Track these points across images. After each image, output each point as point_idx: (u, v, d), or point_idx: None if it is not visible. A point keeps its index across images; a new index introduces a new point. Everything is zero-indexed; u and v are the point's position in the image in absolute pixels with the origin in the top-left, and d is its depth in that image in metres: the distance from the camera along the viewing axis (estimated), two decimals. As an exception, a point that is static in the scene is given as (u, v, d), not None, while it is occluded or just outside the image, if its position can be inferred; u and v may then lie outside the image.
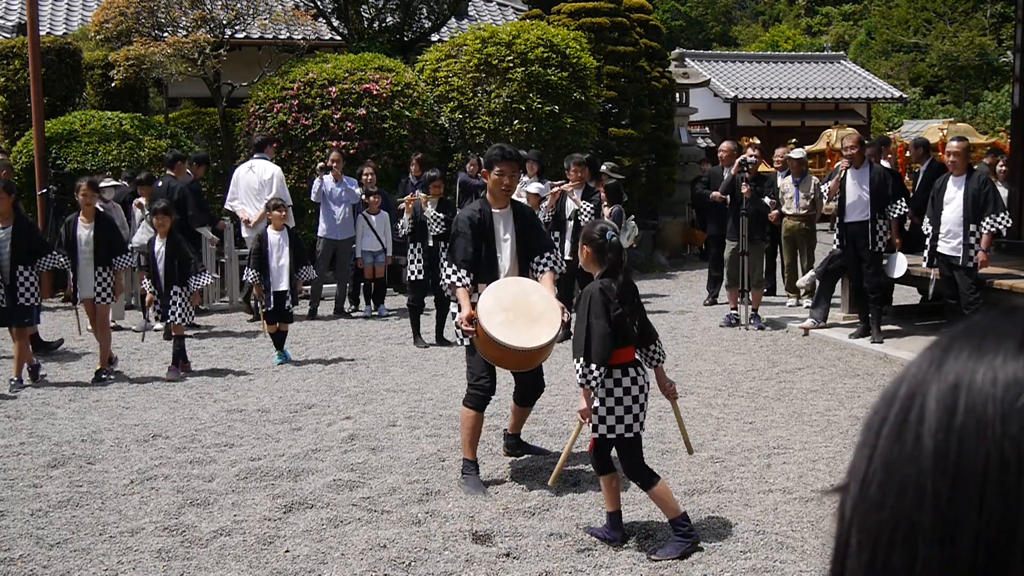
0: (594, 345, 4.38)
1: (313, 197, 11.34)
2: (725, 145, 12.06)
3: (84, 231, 8.13)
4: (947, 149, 8.78)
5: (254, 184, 11.11)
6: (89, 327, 8.50)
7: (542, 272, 5.55)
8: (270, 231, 8.79)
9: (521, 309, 5.06)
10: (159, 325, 9.76)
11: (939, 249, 8.61)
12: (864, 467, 0.68)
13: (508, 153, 5.52)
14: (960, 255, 8.43)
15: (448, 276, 5.40)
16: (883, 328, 9.28)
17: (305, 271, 8.97)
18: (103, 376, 8.09)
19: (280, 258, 8.71)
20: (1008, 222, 8.41)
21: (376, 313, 11.40)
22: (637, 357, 4.62)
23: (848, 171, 9.18)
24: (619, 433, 4.50)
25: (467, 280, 5.33)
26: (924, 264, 8.94)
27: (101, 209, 8.70)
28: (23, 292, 7.78)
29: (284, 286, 8.70)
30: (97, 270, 8.13)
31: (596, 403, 4.47)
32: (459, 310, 5.31)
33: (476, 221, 5.44)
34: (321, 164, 11.48)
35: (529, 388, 5.76)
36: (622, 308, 4.45)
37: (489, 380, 5.48)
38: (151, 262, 8.22)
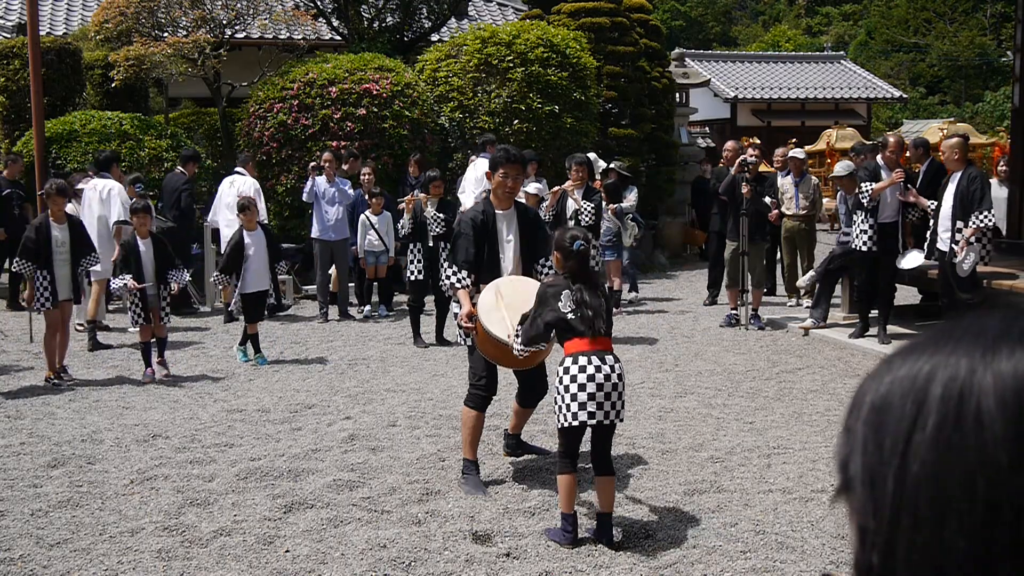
0: (524, 326, 4.70)
1: (305, 197, 11.31)
2: (729, 144, 12.00)
3: (58, 233, 8.03)
4: (941, 147, 8.81)
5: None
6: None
7: (545, 275, 5.49)
8: (244, 232, 8.77)
9: (522, 307, 4.99)
10: (132, 328, 9.79)
11: (937, 245, 8.66)
12: (898, 462, 0.64)
13: (512, 155, 5.48)
14: (948, 250, 8.47)
15: (449, 277, 5.39)
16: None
17: (281, 266, 8.95)
18: (64, 374, 8.04)
19: (258, 258, 8.70)
20: (992, 219, 8.34)
21: (376, 312, 11.40)
22: (599, 349, 4.58)
23: (883, 173, 9.03)
24: (561, 423, 4.59)
25: (467, 281, 5.33)
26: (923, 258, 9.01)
27: (72, 211, 8.68)
28: None
29: (265, 285, 8.70)
30: (74, 268, 8.06)
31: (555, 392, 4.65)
32: (460, 308, 5.32)
33: (479, 222, 5.40)
34: (313, 164, 11.46)
35: (531, 389, 5.75)
36: (575, 310, 4.58)
37: (490, 380, 5.46)
38: (136, 262, 8.14)
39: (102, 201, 10.36)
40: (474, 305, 5.22)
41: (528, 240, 5.56)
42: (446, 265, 5.47)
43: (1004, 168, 11.79)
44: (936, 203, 8.79)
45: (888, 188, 8.94)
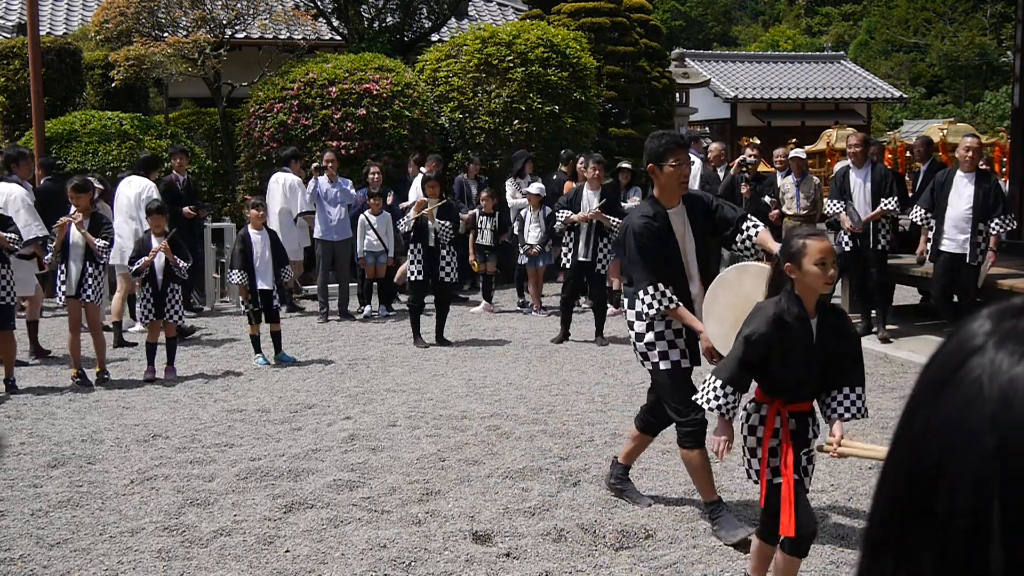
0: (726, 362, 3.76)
1: (308, 198, 11.32)
2: (714, 147, 12.04)
3: (77, 230, 8.04)
4: (964, 144, 8.60)
5: None
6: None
7: (754, 235, 4.65)
8: (251, 231, 8.81)
9: (744, 314, 4.05)
10: (138, 326, 9.82)
11: (942, 247, 8.54)
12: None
13: (681, 140, 4.70)
14: (967, 252, 8.37)
15: (653, 302, 4.50)
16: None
17: (286, 271, 8.97)
18: (104, 377, 8.07)
19: (263, 257, 8.73)
20: (1014, 223, 8.41)
21: (376, 312, 11.40)
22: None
23: (851, 170, 9.19)
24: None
25: (674, 297, 4.51)
26: (927, 259, 8.95)
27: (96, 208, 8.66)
28: None
29: (269, 285, 8.71)
30: (86, 265, 7.97)
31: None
32: (642, 335, 4.61)
33: (655, 228, 4.54)
34: (316, 165, 11.46)
35: (658, 414, 4.92)
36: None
37: (696, 408, 4.51)
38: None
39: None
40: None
41: (712, 227, 4.75)
42: (642, 290, 4.52)
43: (984, 168, 11.82)
44: (918, 201, 8.82)
45: (856, 189, 9.03)
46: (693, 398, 3.75)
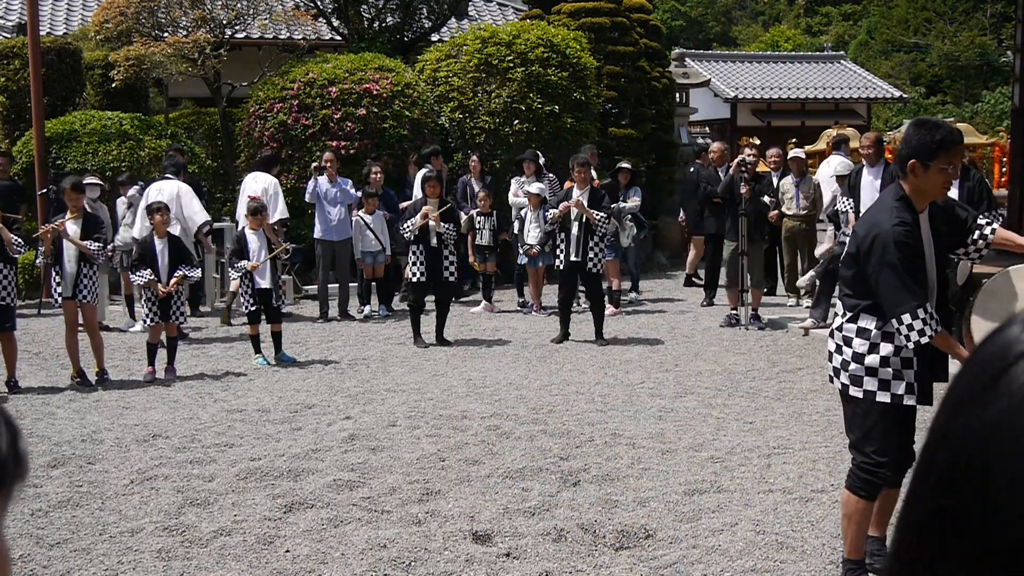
0: None
1: (307, 198, 11.31)
2: (715, 146, 12.04)
3: (71, 229, 7.97)
4: None
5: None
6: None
7: (989, 232, 4.02)
8: (248, 232, 8.84)
9: None
10: (138, 326, 9.83)
11: None
12: None
13: (958, 136, 3.90)
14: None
15: (926, 328, 3.71)
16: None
17: (286, 255, 9.02)
18: (104, 377, 8.07)
19: (260, 256, 8.75)
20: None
21: (376, 312, 11.40)
22: None
23: (864, 169, 9.23)
24: None
25: (939, 320, 3.80)
26: None
27: (88, 208, 8.68)
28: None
29: (267, 283, 8.73)
30: (80, 266, 7.95)
31: None
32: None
33: (913, 236, 3.83)
34: (315, 164, 11.45)
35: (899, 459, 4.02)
36: None
37: (894, 460, 3.92)
38: (152, 261, 8.16)
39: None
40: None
41: (948, 230, 4.06)
42: (909, 315, 3.71)
43: (966, 164, 11.76)
44: None
45: (866, 188, 9.06)
46: None
